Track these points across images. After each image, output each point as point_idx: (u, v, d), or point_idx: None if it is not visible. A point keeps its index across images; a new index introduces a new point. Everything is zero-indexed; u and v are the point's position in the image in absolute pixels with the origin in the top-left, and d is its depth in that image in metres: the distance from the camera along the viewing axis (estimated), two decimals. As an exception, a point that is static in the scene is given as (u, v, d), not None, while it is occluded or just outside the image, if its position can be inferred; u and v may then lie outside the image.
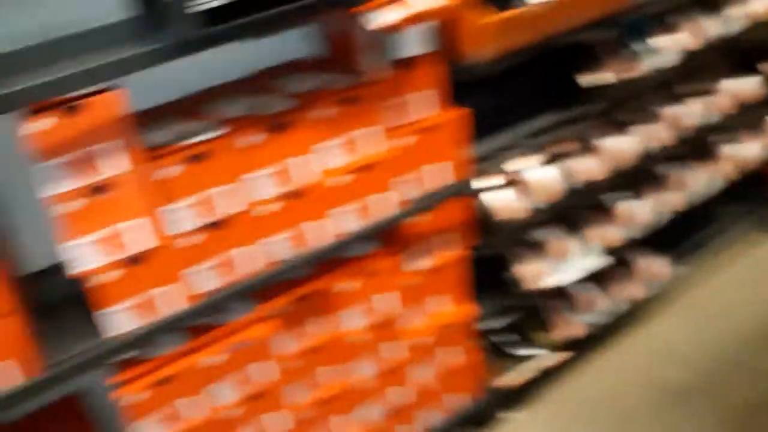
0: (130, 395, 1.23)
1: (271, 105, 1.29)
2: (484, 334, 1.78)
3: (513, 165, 1.66)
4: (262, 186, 1.24)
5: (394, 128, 1.38)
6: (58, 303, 1.33)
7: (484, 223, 1.60)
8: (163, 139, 1.21)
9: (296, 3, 1.07)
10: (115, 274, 1.14)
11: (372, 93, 1.31)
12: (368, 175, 1.34)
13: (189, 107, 1.34)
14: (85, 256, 1.11)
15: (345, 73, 1.39)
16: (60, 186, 1.06)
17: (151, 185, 1.14)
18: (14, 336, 1.09)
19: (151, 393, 1.25)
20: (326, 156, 1.30)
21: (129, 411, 1.24)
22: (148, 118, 1.31)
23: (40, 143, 1.02)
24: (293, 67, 1.49)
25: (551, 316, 1.90)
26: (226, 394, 1.34)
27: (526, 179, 1.65)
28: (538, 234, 1.81)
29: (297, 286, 1.40)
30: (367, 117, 1.32)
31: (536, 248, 1.79)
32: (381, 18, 1.19)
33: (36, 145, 1.02)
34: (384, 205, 1.39)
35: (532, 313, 1.90)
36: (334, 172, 1.31)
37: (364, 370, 1.53)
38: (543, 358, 1.88)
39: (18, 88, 0.94)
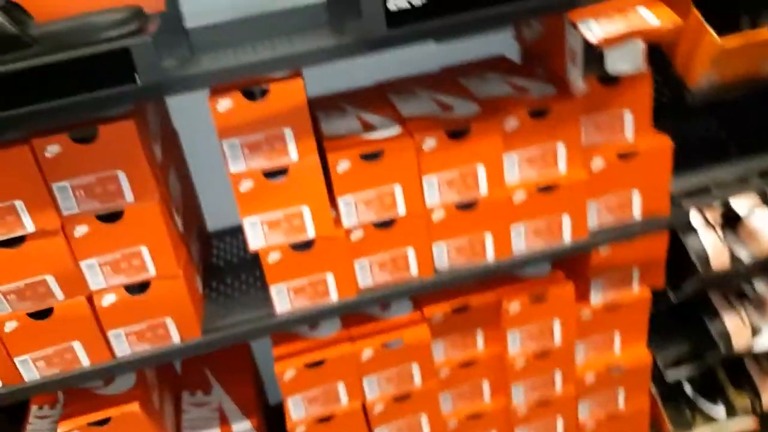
0: (284, 369, 1.27)
1: (456, 107, 1.22)
2: (666, 382, 1.59)
3: (726, 205, 1.43)
4: (440, 190, 1.18)
5: (591, 148, 1.24)
6: (236, 263, 1.42)
7: (681, 265, 1.40)
8: (342, 130, 1.21)
9: (503, 6, 0.98)
10: (285, 255, 1.16)
11: (569, 107, 1.18)
12: (556, 194, 1.22)
13: (370, 98, 1.33)
14: (259, 233, 1.15)
15: (540, 80, 1.29)
16: (240, 164, 1.09)
17: (330, 174, 1.14)
18: (180, 297, 1.15)
19: (302, 372, 1.28)
20: (512, 168, 1.21)
21: (283, 383, 1.28)
22: (329, 104, 1.32)
23: (223, 121, 1.05)
24: (483, 67, 1.41)
25: (754, 378, 1.64)
26: (374, 389, 1.34)
27: (741, 223, 1.41)
28: (751, 285, 1.55)
29: (463, 295, 1.35)
30: (562, 132, 1.20)
31: (746, 301, 1.54)
32: (597, 29, 1.07)
33: (220, 122, 1.05)
34: (569, 228, 1.26)
35: (729, 368, 1.65)
36: (519, 187, 1.22)
37: (521, 396, 1.43)
38: (733, 421, 1.64)
39: (207, 69, 0.97)
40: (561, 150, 1.22)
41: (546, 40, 1.32)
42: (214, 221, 1.57)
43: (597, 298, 1.40)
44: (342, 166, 1.13)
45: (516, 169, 1.22)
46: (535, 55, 1.40)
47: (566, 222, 1.26)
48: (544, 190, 1.23)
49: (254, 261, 1.31)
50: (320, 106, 1.35)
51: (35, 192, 1.03)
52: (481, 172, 1.18)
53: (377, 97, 1.35)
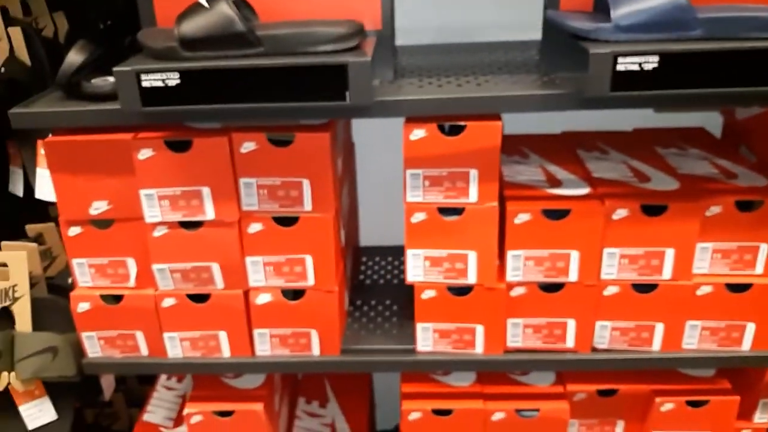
0: (410, 409, 1.23)
1: (654, 179, 1.13)
2: None
3: None
4: (620, 265, 1.09)
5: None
6: (383, 285, 1.40)
7: None
8: (524, 178, 1.16)
9: (743, 87, 0.88)
10: (440, 296, 1.12)
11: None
12: (746, 297, 1.10)
13: (556, 149, 1.28)
14: (420, 267, 1.11)
15: (747, 166, 1.18)
16: (417, 195, 1.07)
17: (504, 223, 1.09)
18: (330, 312, 1.14)
19: (428, 417, 1.23)
20: (703, 258, 1.10)
21: (406, 422, 1.24)
22: (510, 146, 1.28)
23: (412, 150, 1.03)
24: (680, 138, 1.31)
25: None
26: (497, 452, 1.27)
27: None
28: None
29: (613, 377, 1.25)
30: (766, 230, 1.08)
31: None
32: None
33: (409, 151, 1.03)
34: (751, 337, 1.13)
35: None
36: (707, 280, 1.11)
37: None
38: None
39: (412, 98, 0.95)
40: (763, 250, 1.09)
41: (762, 124, 1.20)
42: (366, 237, 1.56)
43: (763, 418, 1.25)
44: (521, 218, 1.07)
45: (707, 260, 1.10)
46: (743, 134, 1.28)
47: (750, 330, 1.13)
48: (733, 289, 1.11)
49: (401, 289, 1.29)
50: (501, 147, 1.30)
51: (223, 183, 1.05)
52: (669, 255, 1.08)
53: (564, 149, 1.28)
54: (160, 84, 0.91)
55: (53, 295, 1.29)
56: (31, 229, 1.35)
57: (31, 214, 1.37)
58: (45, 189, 1.16)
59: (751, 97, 0.95)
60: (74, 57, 1.02)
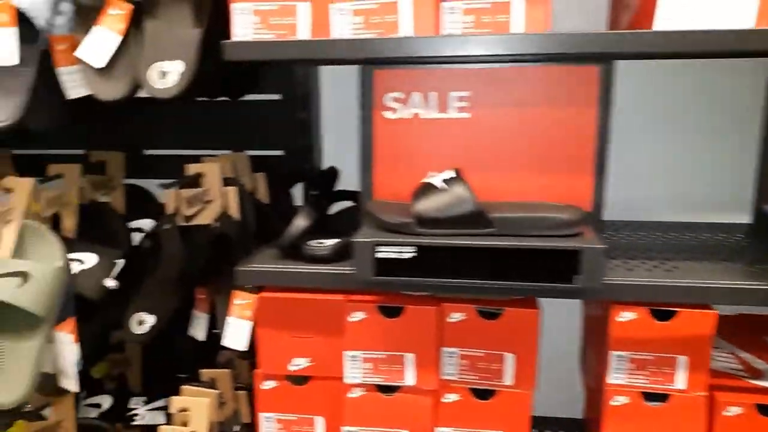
0: None
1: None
2: None
3: None
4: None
5: None
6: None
7: None
8: (720, 366, 1.13)
9: None
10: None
11: None
12: None
13: (740, 331, 1.26)
14: (617, 453, 1.07)
15: None
16: (621, 378, 1.05)
17: (713, 415, 1.05)
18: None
19: None
20: None
21: None
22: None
23: (621, 331, 1.03)
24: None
25: None
26: None
27: None
28: None
29: None
30: None
31: None
32: None
33: (617, 332, 1.03)
34: None
35: None
36: None
37: None
38: None
39: (629, 283, 0.96)
40: None
41: None
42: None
43: None
44: (731, 411, 1.03)
45: None
46: None
47: None
48: None
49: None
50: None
51: (427, 350, 1.07)
52: None
53: (748, 333, 1.25)
54: (393, 256, 0.95)
55: (223, 445, 1.30)
56: (206, 373, 1.38)
57: (203, 359, 1.40)
58: (234, 337, 1.20)
59: None
60: (300, 222, 1.09)
